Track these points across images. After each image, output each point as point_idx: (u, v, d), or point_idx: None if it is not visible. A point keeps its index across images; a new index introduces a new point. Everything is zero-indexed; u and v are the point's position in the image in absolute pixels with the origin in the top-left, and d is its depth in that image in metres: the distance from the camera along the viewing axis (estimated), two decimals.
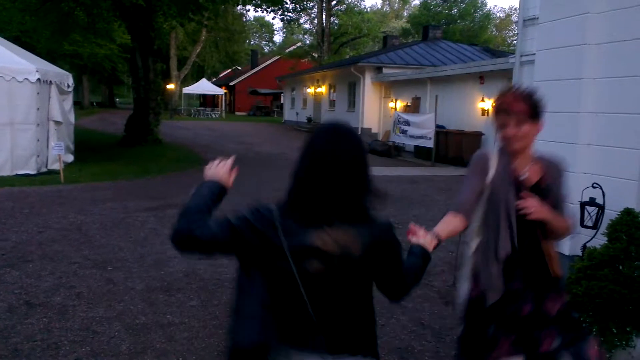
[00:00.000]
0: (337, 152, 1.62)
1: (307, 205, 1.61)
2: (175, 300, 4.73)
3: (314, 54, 43.49)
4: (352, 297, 1.66)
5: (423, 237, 2.00)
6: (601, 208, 4.23)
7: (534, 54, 14.48)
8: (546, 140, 5.06)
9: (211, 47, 54.49)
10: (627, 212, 3.70)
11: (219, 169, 1.91)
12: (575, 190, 4.42)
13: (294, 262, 1.58)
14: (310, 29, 49.04)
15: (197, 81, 46.47)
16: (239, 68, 57.57)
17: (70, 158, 13.59)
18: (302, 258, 1.57)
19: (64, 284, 5.05)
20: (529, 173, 2.37)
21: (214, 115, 41.79)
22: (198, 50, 46.13)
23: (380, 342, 3.98)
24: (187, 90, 43.19)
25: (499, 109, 2.35)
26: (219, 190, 1.88)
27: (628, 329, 3.37)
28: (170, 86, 41.84)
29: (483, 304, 2.37)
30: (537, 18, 13.59)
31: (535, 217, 2.27)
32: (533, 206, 2.26)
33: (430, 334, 4.25)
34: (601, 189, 4.23)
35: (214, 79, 55.89)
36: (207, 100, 51.03)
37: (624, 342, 3.34)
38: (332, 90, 27.95)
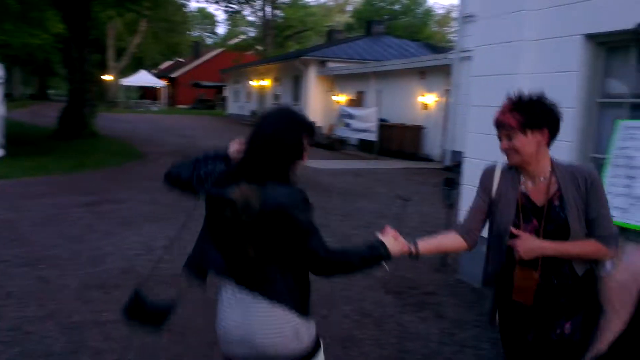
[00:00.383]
0: (263, 126, 1.97)
1: (238, 167, 1.98)
2: (112, 298, 4.57)
3: (258, 47, 43.10)
4: (259, 247, 1.89)
5: (392, 238, 2.07)
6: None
7: (472, 50, 14.88)
8: (482, 133, 5.25)
9: (151, 38, 52.94)
10: None
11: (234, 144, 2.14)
12: None
13: (209, 206, 2.01)
14: (254, 21, 48.58)
15: (136, 73, 45.08)
16: (181, 60, 56.25)
17: (0, 152, 12.89)
18: (219, 204, 1.91)
19: None
20: (538, 191, 2.13)
21: (154, 108, 40.67)
22: (137, 41, 44.72)
23: (323, 332, 3.99)
24: (125, 82, 41.81)
25: (495, 121, 2.19)
26: (221, 155, 2.15)
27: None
28: (108, 78, 40.36)
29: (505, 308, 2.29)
30: (475, 15, 13.97)
31: (527, 258, 2.07)
32: (522, 247, 2.06)
33: (372, 322, 4.31)
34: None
35: (155, 71, 54.35)
36: (147, 93, 49.57)
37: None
38: (276, 84, 27.81)
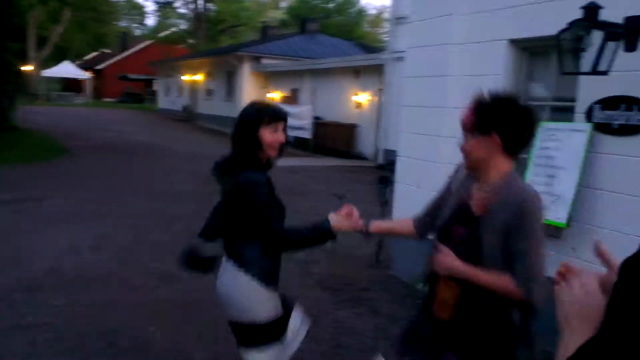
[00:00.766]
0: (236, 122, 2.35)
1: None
2: (37, 300, 4.35)
3: (189, 40, 42.14)
4: (236, 222, 2.29)
5: (343, 216, 2.26)
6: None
7: (404, 51, 15.25)
8: (415, 133, 5.42)
9: (76, 28, 50.49)
10: None
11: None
12: (440, 178, 4.77)
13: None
14: (185, 14, 47.44)
15: (58, 64, 42.84)
16: (108, 51, 54.03)
17: None
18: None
19: None
20: (479, 200, 2.00)
21: (78, 101, 38.84)
22: (60, 31, 42.51)
23: None
24: (47, 73, 39.66)
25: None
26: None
27: None
28: (28, 68, 38.12)
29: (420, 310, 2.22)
30: (407, 17, 14.31)
31: (441, 273, 1.98)
32: (438, 261, 1.97)
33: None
34: None
35: (79, 62, 51.88)
36: (71, 85, 47.25)
37: None
38: (209, 79, 27.31)
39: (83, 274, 5.03)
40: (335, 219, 2.27)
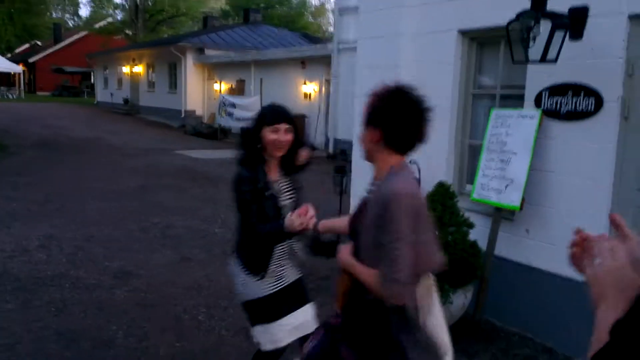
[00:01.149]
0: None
1: None
2: None
3: (127, 31, 40.75)
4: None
5: (297, 216, 2.34)
6: (418, 182, 4.71)
7: (351, 41, 15.34)
8: None
9: (5, 19, 47.83)
10: (441, 185, 4.19)
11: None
12: None
13: None
14: (121, 3, 45.80)
15: None
16: (39, 43, 51.47)
17: None
18: None
19: None
20: (371, 190, 2.02)
21: (11, 96, 36.87)
22: None
23: (224, 324, 3.98)
24: None
25: None
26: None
27: (445, 287, 3.83)
28: None
29: None
30: (353, 8, 14.42)
31: (339, 266, 2.02)
32: (339, 254, 2.01)
33: None
34: (417, 165, 4.71)
35: (9, 55, 49.22)
36: (1, 79, 44.81)
37: (443, 300, 3.80)
38: (150, 70, 26.54)
39: (34, 275, 4.83)
40: (287, 220, 2.37)
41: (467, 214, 4.12)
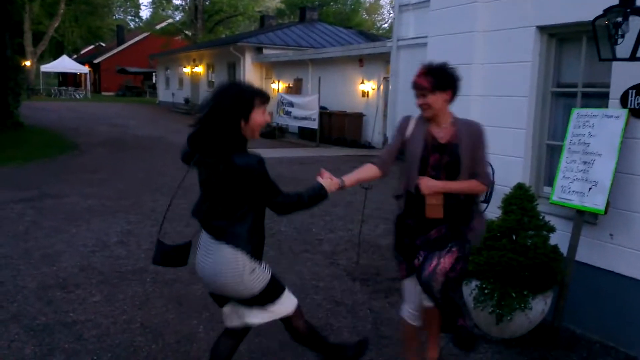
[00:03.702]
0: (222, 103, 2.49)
1: None
2: (75, 297, 4.38)
3: (187, 32, 41.85)
4: (228, 201, 2.49)
5: (327, 179, 2.72)
6: (491, 184, 4.61)
7: (410, 38, 15.18)
8: None
9: (71, 22, 50.16)
10: (519, 187, 4.08)
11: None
12: None
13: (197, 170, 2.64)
14: (181, 5, 47.05)
15: (55, 58, 42.57)
16: (104, 45, 53.73)
17: None
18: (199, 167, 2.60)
19: None
20: (442, 134, 2.84)
21: (77, 96, 38.66)
22: (56, 25, 42.22)
23: None
24: (45, 68, 39.48)
25: (412, 83, 2.82)
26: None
27: (525, 293, 3.75)
28: (26, 64, 37.87)
29: (402, 221, 2.99)
30: (413, 4, 14.24)
31: (426, 193, 2.77)
32: (423, 185, 2.77)
33: (345, 310, 4.38)
34: (491, 166, 4.60)
35: (75, 56, 51.56)
36: (69, 79, 47.00)
37: (522, 305, 3.72)
38: (210, 71, 27.19)
39: (116, 270, 5.06)
40: (326, 183, 2.69)
41: (546, 218, 4.00)
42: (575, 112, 4.10)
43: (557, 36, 4.45)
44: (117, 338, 3.72)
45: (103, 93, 45.15)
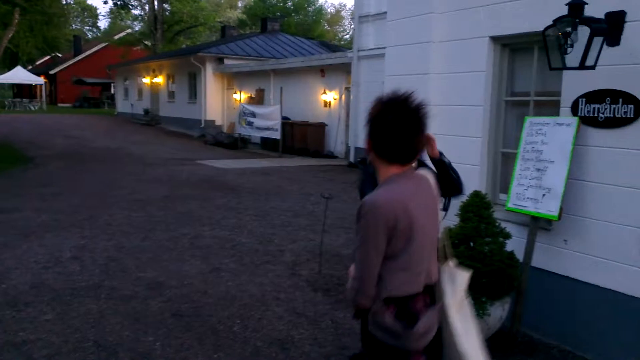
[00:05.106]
0: None
1: None
2: (25, 316, 4.19)
3: (146, 42, 41.26)
4: None
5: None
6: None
7: (371, 49, 15.37)
8: None
9: (26, 32, 48.68)
10: (476, 194, 4.13)
11: None
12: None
13: None
14: (140, 15, 46.42)
15: (9, 69, 41.24)
16: (60, 55, 52.34)
17: None
18: None
19: None
20: None
21: (33, 107, 37.56)
22: (10, 35, 40.92)
23: (259, 335, 3.97)
24: None
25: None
26: None
27: (483, 299, 3.78)
28: None
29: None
30: (373, 15, 14.45)
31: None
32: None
33: (306, 321, 4.33)
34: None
35: (31, 67, 50.09)
36: (24, 91, 45.62)
37: (480, 312, 3.75)
38: (170, 81, 26.83)
39: (69, 286, 4.87)
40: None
41: (502, 224, 4.07)
42: (528, 121, 4.20)
43: (510, 46, 4.56)
44: (68, 358, 3.57)
45: (60, 104, 43.98)
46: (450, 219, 4.34)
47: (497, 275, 3.81)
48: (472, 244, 3.96)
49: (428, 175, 2.13)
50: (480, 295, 3.80)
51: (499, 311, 3.87)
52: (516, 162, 4.19)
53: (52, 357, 3.57)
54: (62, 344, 3.75)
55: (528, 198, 4.04)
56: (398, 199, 1.91)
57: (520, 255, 4.01)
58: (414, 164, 2.04)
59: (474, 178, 4.61)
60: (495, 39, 4.54)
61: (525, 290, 4.00)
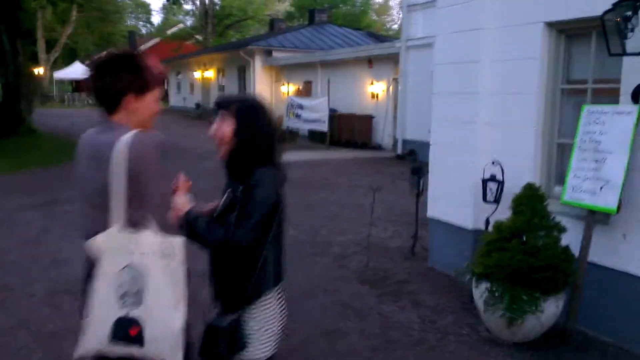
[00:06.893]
0: None
1: None
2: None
3: (197, 37, 42.08)
4: None
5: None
6: (501, 184, 4.53)
7: (419, 38, 15.08)
8: (447, 120, 5.36)
9: (83, 28, 50.60)
10: (529, 187, 4.00)
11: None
12: (477, 167, 4.72)
13: None
14: (191, 10, 47.36)
15: (68, 65, 43.00)
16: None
17: None
18: None
19: None
20: None
21: (91, 102, 38.93)
22: (69, 32, 42.66)
23: (306, 327, 3.98)
24: (59, 74, 39.85)
25: None
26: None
27: (536, 295, 3.66)
28: (39, 70, 38.36)
29: None
30: (421, 4, 14.13)
31: None
32: None
33: (353, 314, 4.32)
34: (500, 165, 4.53)
35: (88, 62, 51.99)
36: (82, 86, 47.45)
37: (533, 307, 3.63)
38: (220, 75, 27.28)
39: None
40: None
41: (557, 218, 3.92)
42: (586, 109, 4.01)
43: (566, 32, 4.37)
44: None
45: None
46: (502, 212, 4.23)
47: (551, 270, 3.68)
48: (524, 238, 3.84)
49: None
50: (533, 290, 3.68)
51: (552, 307, 3.75)
52: (572, 153, 4.02)
53: None
54: None
55: (585, 190, 3.87)
56: None
57: (576, 250, 3.86)
58: None
59: (527, 170, 4.46)
60: (550, 25, 4.36)
61: (581, 286, 3.85)
